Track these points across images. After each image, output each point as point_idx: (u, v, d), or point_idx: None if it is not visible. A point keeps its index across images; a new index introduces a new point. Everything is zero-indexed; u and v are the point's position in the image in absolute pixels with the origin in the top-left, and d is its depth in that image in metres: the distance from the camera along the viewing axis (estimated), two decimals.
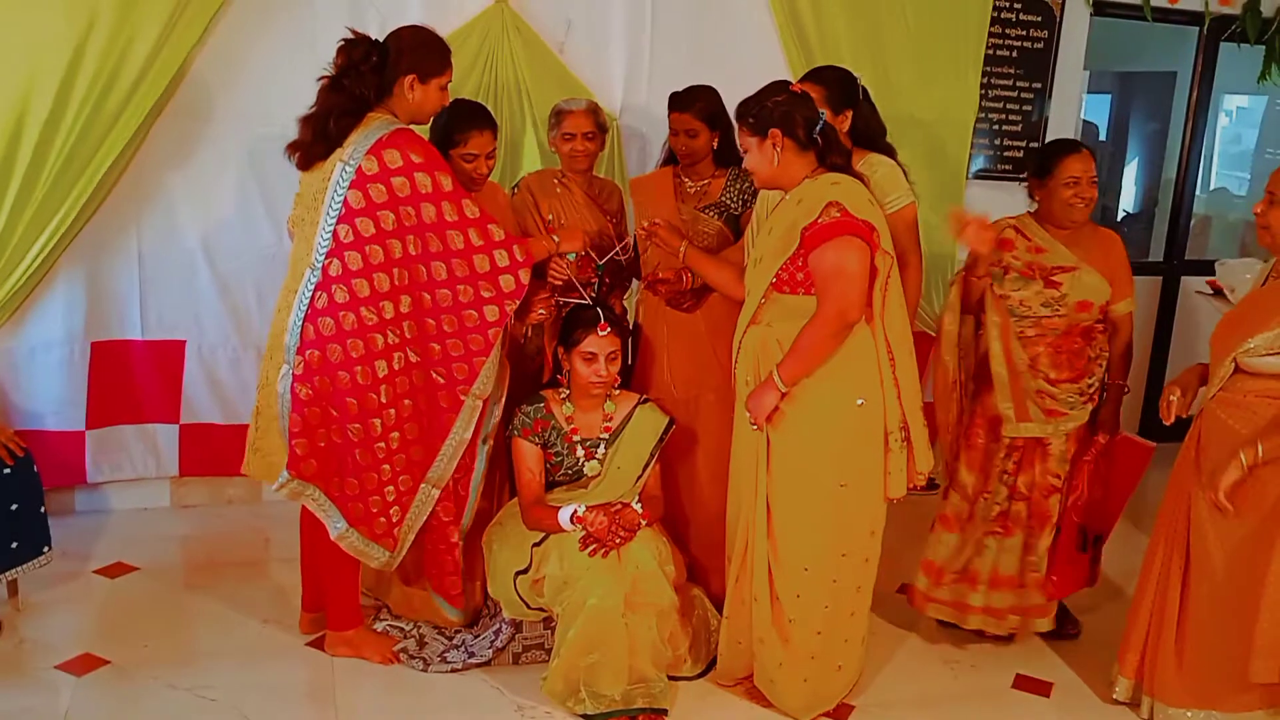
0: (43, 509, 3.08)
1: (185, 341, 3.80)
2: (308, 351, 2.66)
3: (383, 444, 2.74)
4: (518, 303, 2.79)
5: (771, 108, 2.60)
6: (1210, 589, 2.63)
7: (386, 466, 2.76)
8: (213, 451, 3.87)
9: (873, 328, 2.61)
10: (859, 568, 2.75)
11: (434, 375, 2.79)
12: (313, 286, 2.65)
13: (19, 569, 3.02)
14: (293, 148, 2.71)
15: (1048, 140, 4.66)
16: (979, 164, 4.62)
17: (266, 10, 3.61)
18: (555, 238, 2.94)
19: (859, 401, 2.61)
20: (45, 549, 3.08)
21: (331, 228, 2.62)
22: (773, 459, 2.67)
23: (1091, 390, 3.05)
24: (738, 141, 2.71)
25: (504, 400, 2.96)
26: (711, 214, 3.20)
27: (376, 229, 2.61)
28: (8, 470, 2.98)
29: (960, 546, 3.16)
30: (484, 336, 2.78)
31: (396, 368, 2.72)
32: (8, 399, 3.59)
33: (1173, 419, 2.70)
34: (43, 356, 3.61)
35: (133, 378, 3.77)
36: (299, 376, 2.67)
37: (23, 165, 3.32)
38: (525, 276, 2.77)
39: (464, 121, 2.94)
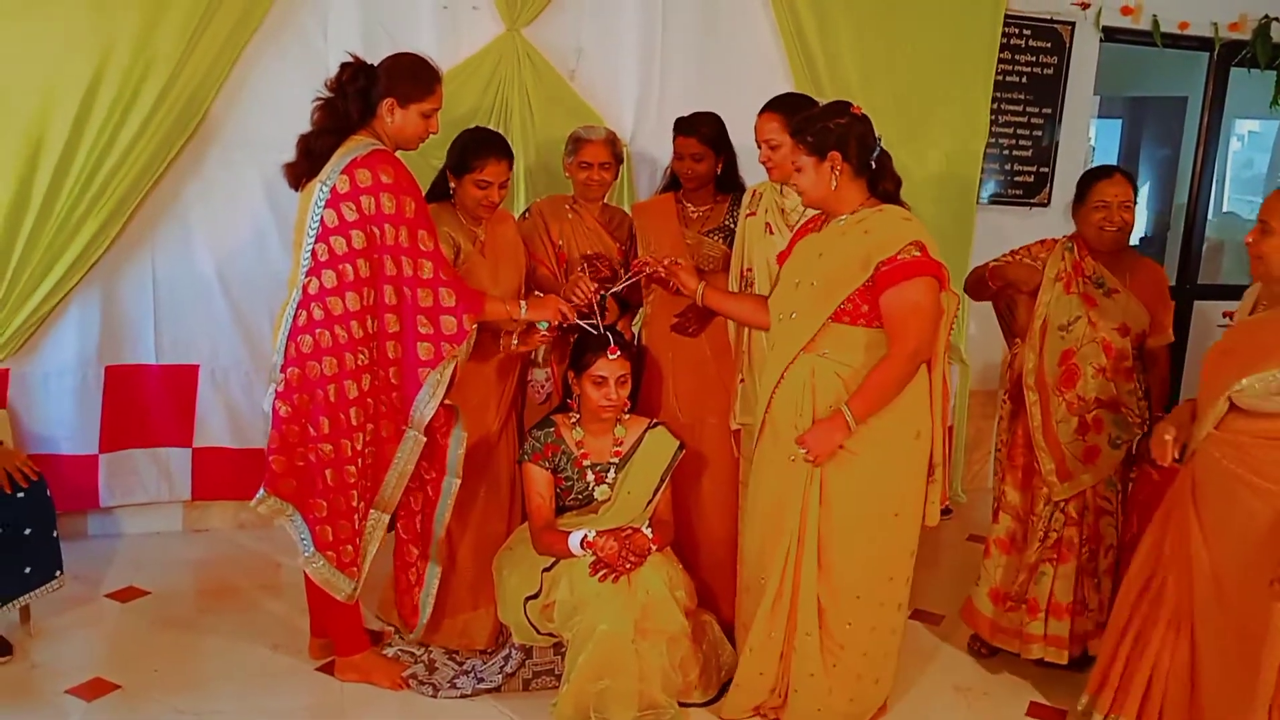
0: (55, 533, 3.08)
1: (199, 366, 3.82)
2: (289, 369, 2.67)
3: (352, 467, 2.72)
4: (458, 347, 2.73)
5: (833, 129, 2.56)
6: (1217, 642, 2.47)
7: (355, 493, 2.74)
8: (225, 476, 3.89)
9: (929, 364, 2.63)
10: (900, 588, 2.78)
11: (381, 402, 2.77)
12: (295, 304, 2.67)
13: (31, 594, 3.03)
14: (287, 168, 2.74)
15: (1056, 165, 4.69)
16: (989, 189, 4.62)
17: (281, 39, 3.66)
18: (524, 304, 2.86)
19: (917, 435, 2.65)
20: (57, 574, 3.08)
21: (310, 246, 2.65)
22: (829, 493, 2.64)
23: (1133, 423, 3.03)
24: (791, 158, 2.65)
25: (464, 433, 2.87)
26: (716, 238, 3.20)
27: (348, 247, 2.63)
28: (21, 495, 2.98)
29: (1016, 570, 3.16)
30: (414, 373, 2.74)
31: (365, 389, 2.71)
32: (21, 423, 3.61)
33: (1169, 460, 2.55)
34: (57, 381, 3.63)
35: (146, 402, 3.79)
36: (280, 393, 2.68)
37: (40, 193, 3.36)
38: (469, 323, 2.73)
39: (481, 148, 2.95)
